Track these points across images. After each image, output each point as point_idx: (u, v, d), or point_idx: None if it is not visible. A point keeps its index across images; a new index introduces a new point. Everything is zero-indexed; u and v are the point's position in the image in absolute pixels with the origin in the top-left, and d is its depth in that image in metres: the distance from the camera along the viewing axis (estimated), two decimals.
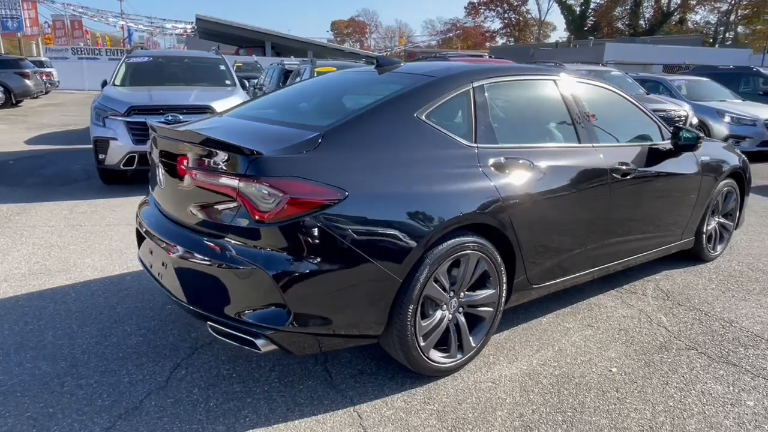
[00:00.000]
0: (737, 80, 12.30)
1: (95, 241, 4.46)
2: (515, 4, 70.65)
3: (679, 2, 53.18)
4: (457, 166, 2.49)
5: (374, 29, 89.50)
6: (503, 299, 2.70)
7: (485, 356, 2.75)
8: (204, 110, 6.34)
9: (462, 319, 2.57)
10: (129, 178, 6.56)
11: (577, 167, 2.96)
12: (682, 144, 3.57)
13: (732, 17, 50.30)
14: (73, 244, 4.41)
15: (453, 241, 2.39)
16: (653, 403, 2.42)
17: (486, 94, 2.76)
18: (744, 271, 4.11)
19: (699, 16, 57.18)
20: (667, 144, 3.58)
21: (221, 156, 2.17)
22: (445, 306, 2.49)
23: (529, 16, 72.63)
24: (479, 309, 2.63)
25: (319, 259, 2.08)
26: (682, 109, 9.33)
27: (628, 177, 3.20)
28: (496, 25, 75.00)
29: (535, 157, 2.77)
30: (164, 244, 2.45)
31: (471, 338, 2.61)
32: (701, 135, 3.60)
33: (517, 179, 2.64)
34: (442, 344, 2.52)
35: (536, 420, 2.28)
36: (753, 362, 2.79)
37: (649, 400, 2.44)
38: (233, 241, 2.16)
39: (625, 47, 31.85)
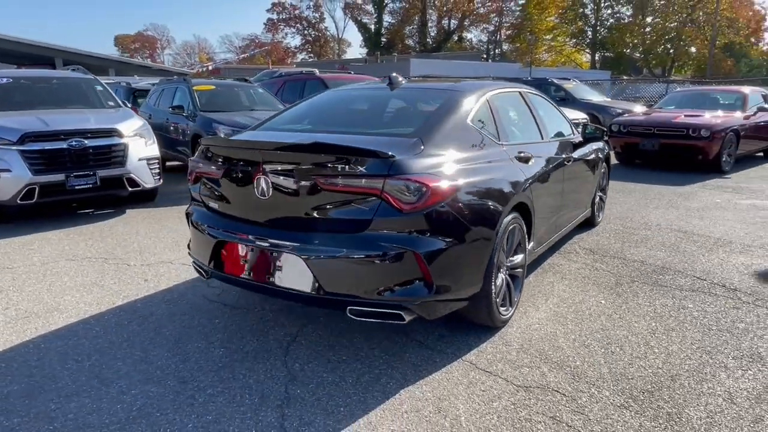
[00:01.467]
0: (537, 88, 15.11)
1: (52, 280, 4.10)
2: (313, 21, 73.27)
3: (456, 23, 60.96)
4: (498, 159, 3.19)
5: (166, 44, 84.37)
6: (526, 262, 3.49)
7: (518, 309, 3.50)
8: (110, 133, 5.99)
9: (509, 279, 3.28)
10: (26, 212, 5.84)
11: (548, 157, 3.89)
12: (589, 137, 4.79)
13: (498, 36, 59.41)
14: (27, 285, 3.99)
15: (510, 216, 3.09)
16: (638, 314, 3.43)
17: (496, 104, 3.52)
18: (623, 229, 5.55)
19: (472, 35, 66.10)
20: (578, 137, 4.76)
21: (355, 161, 2.54)
22: (503, 269, 3.17)
23: (329, 33, 75.88)
24: (516, 270, 3.38)
25: (448, 236, 2.60)
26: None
27: (570, 163, 4.26)
28: (297, 41, 76.73)
29: (530, 150, 3.60)
30: (279, 249, 2.68)
31: (514, 294, 3.34)
32: (604, 129, 4.87)
33: (530, 168, 3.45)
34: (503, 300, 3.20)
35: (581, 338, 3.09)
36: (677, 283, 4.01)
37: (635, 312, 3.44)
38: (378, 232, 2.55)
39: (428, 62, 35.68)
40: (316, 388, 2.62)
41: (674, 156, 9.22)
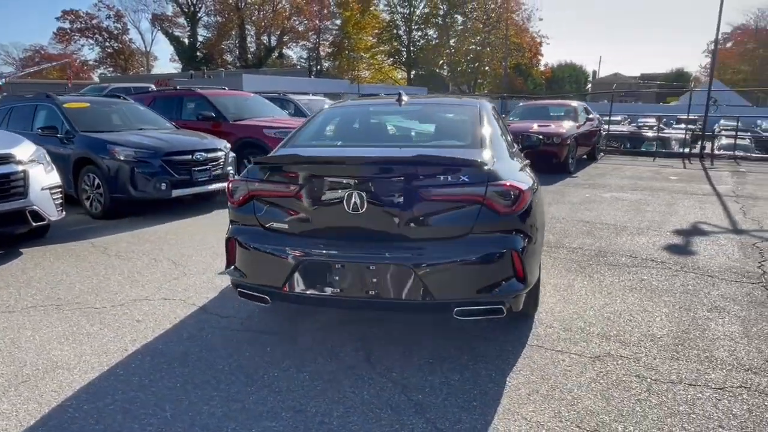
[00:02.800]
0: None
1: (13, 336, 3.42)
2: (116, 32, 66.84)
3: (276, 40, 61.01)
4: (524, 164, 3.60)
5: None
6: None
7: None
8: (6, 160, 5.06)
9: None
10: None
11: None
12: (527, 146, 5.50)
13: (318, 54, 60.96)
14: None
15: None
16: (619, 288, 4.13)
17: (495, 116, 3.92)
18: None
19: (293, 52, 66.72)
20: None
21: (456, 171, 2.72)
22: None
23: (134, 46, 69.87)
24: None
25: (529, 234, 2.92)
26: None
27: None
28: (94, 53, 68.97)
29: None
30: (380, 262, 2.73)
31: None
32: (541, 138, 5.62)
33: (524, 163, 3.89)
34: None
35: (598, 313, 3.66)
36: (620, 262, 4.86)
37: (615, 287, 4.14)
38: (479, 235, 2.75)
39: (260, 78, 35.14)
40: (434, 390, 2.73)
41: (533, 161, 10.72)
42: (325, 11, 55.29)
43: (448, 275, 2.74)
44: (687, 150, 15.17)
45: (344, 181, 2.80)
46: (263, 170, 3.00)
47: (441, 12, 51.73)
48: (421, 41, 52.70)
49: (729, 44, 58.28)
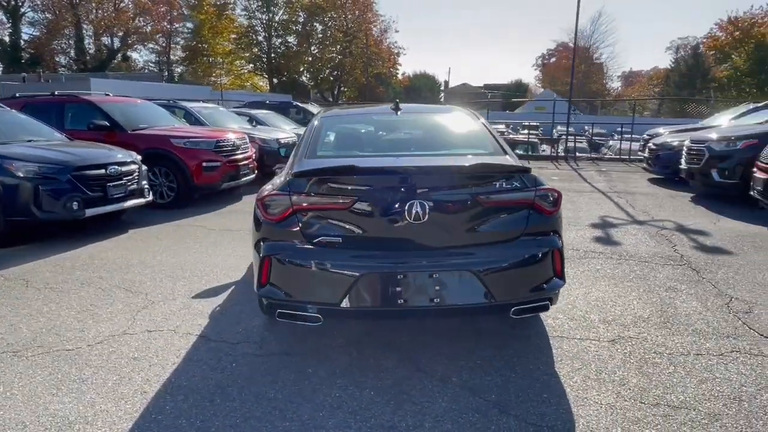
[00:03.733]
0: (280, 110, 15.75)
1: None
2: None
3: (119, 41, 55.92)
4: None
5: None
6: None
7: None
8: None
9: None
10: None
11: None
12: None
13: (168, 57, 57.11)
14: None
15: None
16: (601, 277, 4.60)
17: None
18: None
19: (140, 54, 61.75)
20: None
21: (510, 178, 2.86)
22: None
23: None
24: None
25: (560, 234, 3.15)
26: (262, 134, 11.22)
27: None
28: None
29: None
30: (443, 269, 2.77)
31: None
32: None
33: None
34: None
35: (600, 300, 4.06)
36: (585, 254, 5.38)
37: (597, 276, 4.60)
38: (529, 237, 2.92)
39: (110, 83, 31.93)
40: (502, 389, 2.82)
41: None
42: (175, 13, 52.05)
43: (508, 277, 2.87)
44: (554, 153, 17.05)
45: (404, 191, 2.78)
46: (311, 182, 2.85)
47: (300, 19, 51.61)
48: (282, 48, 52.01)
49: (552, 59, 66.55)
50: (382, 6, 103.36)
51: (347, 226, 2.85)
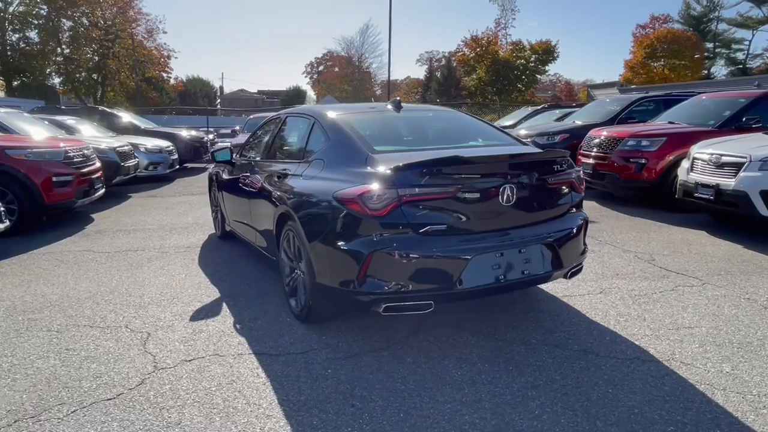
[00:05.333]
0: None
1: None
2: None
3: None
4: None
5: None
6: None
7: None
8: None
9: None
10: None
11: None
12: None
13: None
14: None
15: None
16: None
17: None
18: None
19: None
20: None
21: (560, 162, 3.35)
22: None
23: None
24: None
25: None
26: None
27: None
28: None
29: None
30: (528, 244, 3.15)
31: None
32: None
33: None
34: None
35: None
36: None
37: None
38: (572, 212, 3.47)
39: None
40: (619, 365, 3.32)
41: None
42: None
43: (569, 245, 3.38)
44: None
45: (498, 177, 3.08)
46: (418, 175, 2.92)
47: (42, 12, 44.15)
48: (22, 45, 43.74)
49: (321, 67, 69.70)
50: (148, 4, 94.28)
51: (451, 214, 3.00)
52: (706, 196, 6.04)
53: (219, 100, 63.61)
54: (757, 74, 40.04)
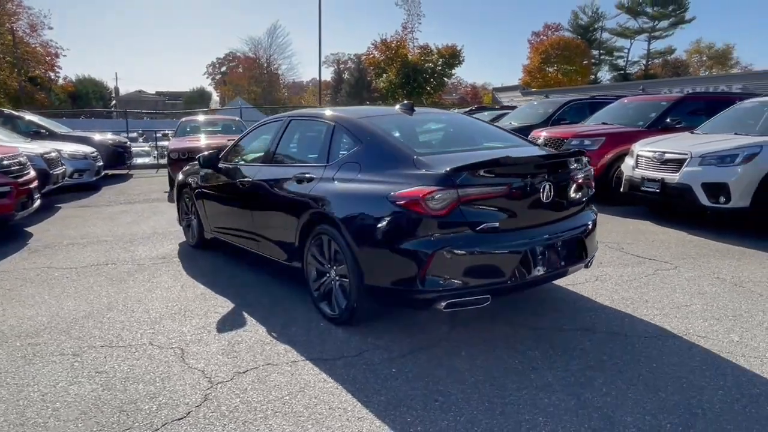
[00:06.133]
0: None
1: None
2: None
3: None
4: None
5: None
6: None
7: None
8: None
9: None
10: None
11: None
12: None
13: None
14: None
15: None
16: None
17: None
18: None
19: None
20: None
21: (582, 161, 3.65)
22: None
23: None
24: None
25: None
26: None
27: None
28: None
29: None
30: (563, 237, 3.41)
31: None
32: None
33: None
34: None
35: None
36: None
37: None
38: (589, 206, 3.78)
39: None
40: (655, 351, 3.62)
41: None
42: None
43: (591, 237, 3.68)
44: None
45: (540, 176, 3.29)
46: (474, 175, 3.05)
47: None
48: None
49: (224, 68, 67.28)
50: None
51: (502, 211, 3.16)
52: (652, 189, 6.73)
53: (114, 102, 59.26)
54: (636, 79, 44.43)
